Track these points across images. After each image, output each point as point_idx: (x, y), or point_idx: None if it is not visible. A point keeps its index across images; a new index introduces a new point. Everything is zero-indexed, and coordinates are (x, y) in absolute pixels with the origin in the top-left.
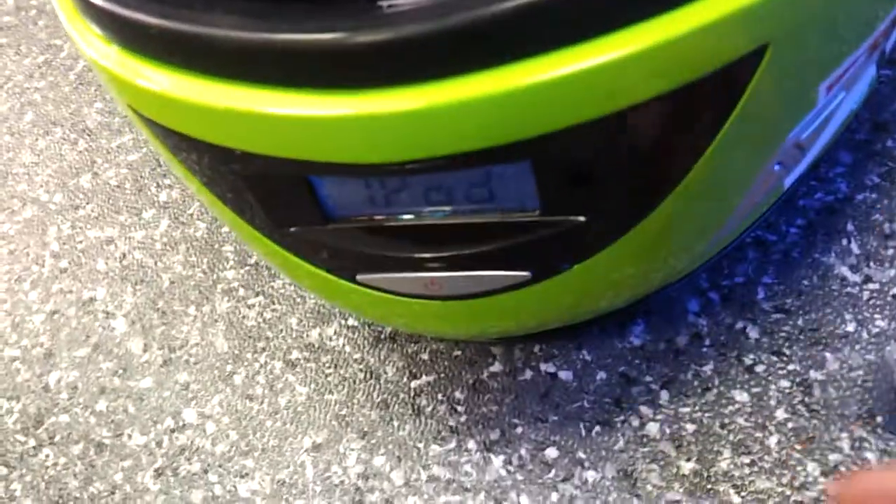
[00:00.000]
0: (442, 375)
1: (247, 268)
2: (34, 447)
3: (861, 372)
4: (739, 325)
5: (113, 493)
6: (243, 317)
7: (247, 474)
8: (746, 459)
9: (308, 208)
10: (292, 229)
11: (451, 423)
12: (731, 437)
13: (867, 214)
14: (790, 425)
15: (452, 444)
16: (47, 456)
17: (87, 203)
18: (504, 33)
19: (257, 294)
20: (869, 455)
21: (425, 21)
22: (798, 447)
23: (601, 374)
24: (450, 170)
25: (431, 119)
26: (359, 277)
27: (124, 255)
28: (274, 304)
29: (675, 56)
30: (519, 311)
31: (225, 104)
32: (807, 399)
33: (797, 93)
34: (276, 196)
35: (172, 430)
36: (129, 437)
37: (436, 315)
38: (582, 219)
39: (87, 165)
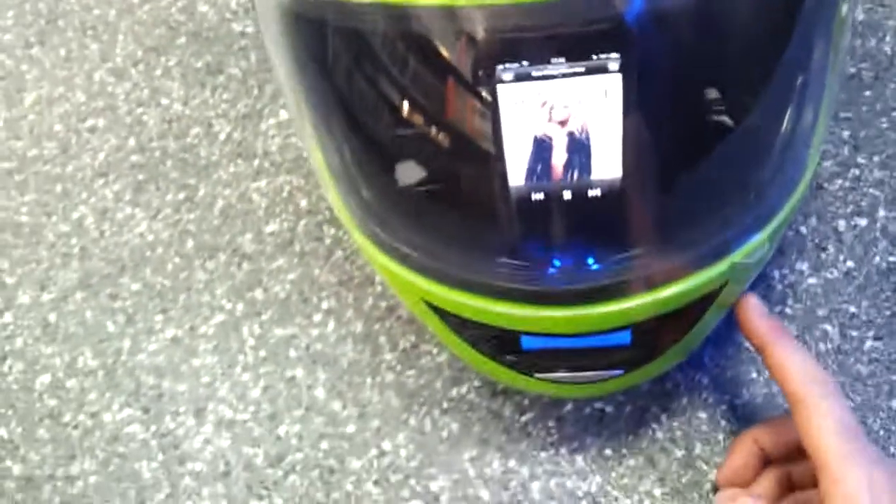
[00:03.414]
0: (538, 413)
1: (401, 350)
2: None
3: None
4: None
5: None
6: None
7: None
8: None
9: (514, 347)
10: (506, 356)
11: (550, 440)
12: None
13: None
14: None
15: (552, 452)
16: None
17: (266, 310)
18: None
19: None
20: None
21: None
22: None
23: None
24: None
25: (595, 317)
26: (536, 375)
27: (308, 346)
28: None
29: (683, 295)
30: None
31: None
32: None
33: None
34: (496, 339)
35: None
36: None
37: (570, 390)
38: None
39: (256, 282)
